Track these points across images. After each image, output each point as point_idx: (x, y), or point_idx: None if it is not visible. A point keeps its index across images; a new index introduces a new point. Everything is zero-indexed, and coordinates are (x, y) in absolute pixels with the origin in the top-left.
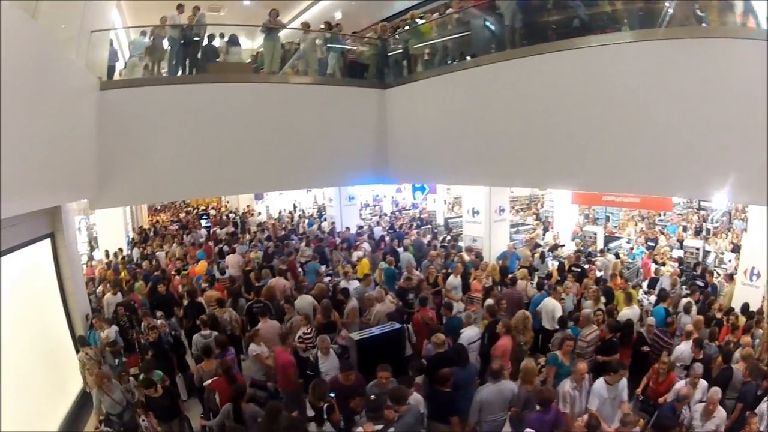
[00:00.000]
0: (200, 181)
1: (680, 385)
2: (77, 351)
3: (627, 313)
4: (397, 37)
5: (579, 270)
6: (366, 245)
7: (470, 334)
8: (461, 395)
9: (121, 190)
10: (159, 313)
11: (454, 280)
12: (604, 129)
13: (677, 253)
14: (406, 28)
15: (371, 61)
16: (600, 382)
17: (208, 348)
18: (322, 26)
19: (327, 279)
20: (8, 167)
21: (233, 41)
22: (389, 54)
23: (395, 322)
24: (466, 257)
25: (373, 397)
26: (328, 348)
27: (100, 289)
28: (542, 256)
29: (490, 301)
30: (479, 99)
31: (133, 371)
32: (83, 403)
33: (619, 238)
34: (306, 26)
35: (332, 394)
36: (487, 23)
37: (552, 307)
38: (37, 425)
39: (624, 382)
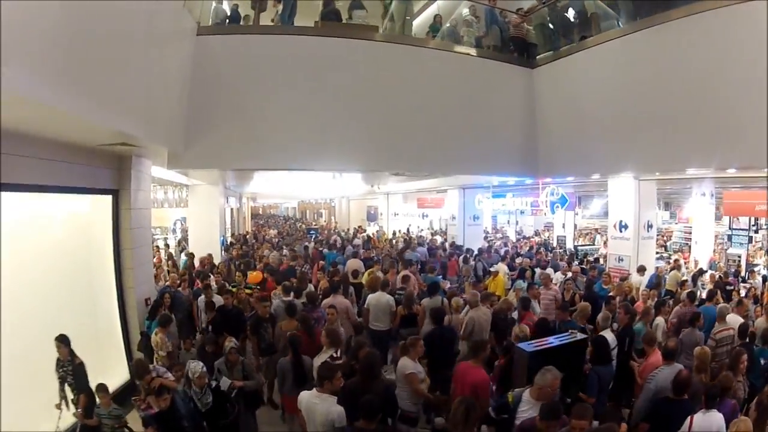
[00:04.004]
0: (300, 150)
1: None
2: (125, 339)
3: None
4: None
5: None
6: (503, 265)
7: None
8: (602, 401)
9: (206, 151)
10: (230, 343)
11: None
12: None
13: None
14: None
15: (537, 34)
16: None
17: (292, 306)
18: None
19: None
20: (86, 72)
21: (356, 5)
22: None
23: (577, 331)
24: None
25: None
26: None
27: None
28: (694, 279)
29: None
30: (657, 67)
31: None
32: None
33: (756, 264)
34: None
35: None
36: None
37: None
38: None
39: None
